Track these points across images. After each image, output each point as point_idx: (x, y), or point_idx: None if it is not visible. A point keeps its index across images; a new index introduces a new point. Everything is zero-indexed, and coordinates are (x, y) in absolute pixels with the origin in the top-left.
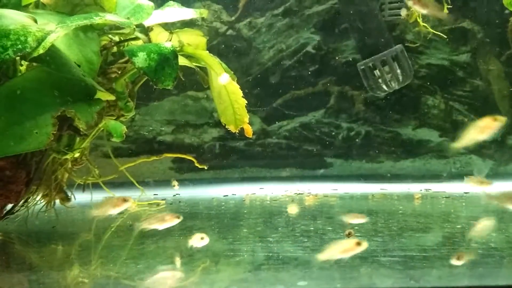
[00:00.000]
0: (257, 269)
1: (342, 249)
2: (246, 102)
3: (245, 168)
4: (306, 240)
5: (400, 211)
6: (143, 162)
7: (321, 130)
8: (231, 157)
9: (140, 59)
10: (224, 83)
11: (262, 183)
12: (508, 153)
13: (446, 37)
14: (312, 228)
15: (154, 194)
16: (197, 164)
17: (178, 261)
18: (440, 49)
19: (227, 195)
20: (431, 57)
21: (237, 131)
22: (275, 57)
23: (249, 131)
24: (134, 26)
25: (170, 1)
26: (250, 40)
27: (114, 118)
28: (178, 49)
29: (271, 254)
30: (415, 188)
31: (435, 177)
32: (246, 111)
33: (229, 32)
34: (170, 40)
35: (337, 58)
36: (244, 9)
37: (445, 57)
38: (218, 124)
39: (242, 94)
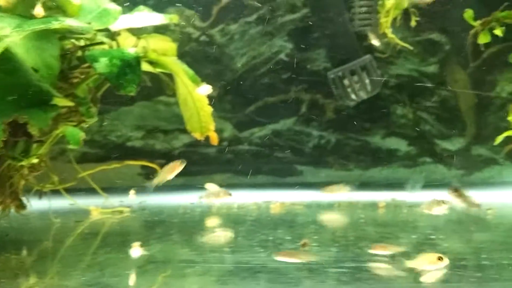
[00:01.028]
0: (203, 280)
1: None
2: (212, 109)
3: (215, 174)
4: (262, 250)
5: (362, 220)
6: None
7: (292, 137)
8: (202, 163)
9: (102, 65)
10: (202, 93)
11: (232, 190)
12: (473, 162)
13: (412, 48)
14: (271, 238)
15: (120, 201)
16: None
17: (124, 272)
18: (409, 60)
19: (194, 203)
20: (401, 67)
21: (203, 139)
22: (248, 64)
23: (215, 139)
24: (95, 31)
25: (140, 6)
26: (223, 47)
27: (75, 124)
28: (142, 55)
29: (221, 265)
30: (382, 196)
31: (402, 185)
32: (212, 118)
33: (202, 38)
34: (137, 46)
35: (307, 67)
36: (217, 16)
37: (414, 68)
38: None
39: (208, 102)
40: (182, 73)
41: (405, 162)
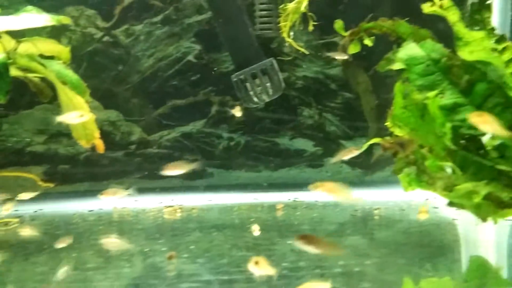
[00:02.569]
0: None
1: None
2: (96, 116)
3: (123, 179)
4: (127, 265)
5: (248, 225)
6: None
7: (202, 140)
8: (109, 167)
9: None
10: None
11: (140, 195)
12: (375, 162)
13: (308, 52)
14: (147, 249)
15: (15, 210)
16: (40, 183)
17: None
18: (314, 62)
19: (92, 210)
20: (307, 69)
21: (89, 146)
22: (155, 66)
23: (100, 146)
24: None
25: (28, 6)
26: (128, 48)
27: None
28: (11, 61)
29: (74, 284)
30: (286, 197)
31: (308, 185)
32: (96, 125)
33: (106, 38)
34: (16, 50)
35: (215, 69)
36: (120, 16)
37: (319, 70)
38: None
39: (89, 109)
40: (60, 79)
41: (311, 163)
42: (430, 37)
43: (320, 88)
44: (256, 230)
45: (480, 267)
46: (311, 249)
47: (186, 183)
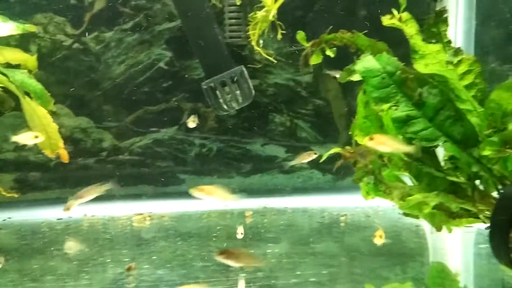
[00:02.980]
0: None
1: None
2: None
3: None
4: (86, 277)
5: (215, 233)
6: None
7: (174, 146)
8: (80, 174)
9: None
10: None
11: (110, 202)
12: (345, 167)
13: (275, 61)
14: (109, 260)
15: None
16: (4, 193)
17: None
18: (285, 70)
19: (61, 218)
20: (278, 76)
21: (54, 156)
22: (126, 73)
23: (65, 156)
24: None
25: None
26: (98, 55)
27: None
28: None
29: None
30: (257, 203)
31: (279, 191)
32: (60, 135)
33: (75, 45)
34: None
35: (186, 76)
36: (89, 23)
37: (290, 77)
38: (66, 139)
39: (52, 120)
40: (24, 89)
41: (283, 169)
42: (386, 50)
43: (291, 95)
44: (240, 233)
45: (440, 273)
46: (232, 263)
47: (158, 190)
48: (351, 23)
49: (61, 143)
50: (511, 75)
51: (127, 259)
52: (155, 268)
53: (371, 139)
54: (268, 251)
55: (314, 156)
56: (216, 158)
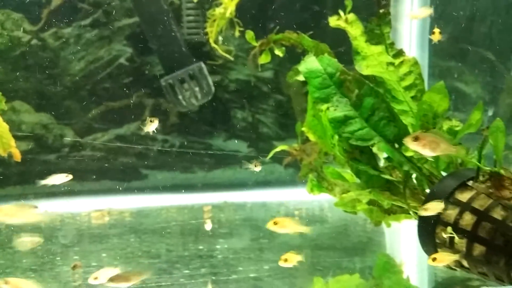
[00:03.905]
0: None
1: None
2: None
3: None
4: (32, 275)
5: (169, 230)
6: None
7: (137, 142)
8: (42, 170)
9: None
10: None
11: (72, 198)
12: (286, 166)
13: (232, 58)
14: (58, 258)
15: None
16: None
17: None
18: (247, 65)
19: None
20: (239, 72)
21: (5, 155)
22: (86, 69)
23: (17, 155)
24: None
25: None
26: (57, 51)
27: None
28: None
29: None
30: (218, 198)
31: (242, 185)
32: (11, 135)
33: (34, 42)
34: None
35: (146, 72)
36: (47, 19)
37: (251, 73)
38: (27, 137)
39: (2, 119)
40: None
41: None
42: (328, 51)
43: (252, 90)
44: (208, 224)
45: (386, 264)
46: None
47: (121, 185)
48: (312, 20)
49: (12, 142)
50: (465, 72)
51: (76, 257)
52: (101, 266)
53: (416, 139)
54: (217, 246)
55: (259, 169)
56: (178, 153)
